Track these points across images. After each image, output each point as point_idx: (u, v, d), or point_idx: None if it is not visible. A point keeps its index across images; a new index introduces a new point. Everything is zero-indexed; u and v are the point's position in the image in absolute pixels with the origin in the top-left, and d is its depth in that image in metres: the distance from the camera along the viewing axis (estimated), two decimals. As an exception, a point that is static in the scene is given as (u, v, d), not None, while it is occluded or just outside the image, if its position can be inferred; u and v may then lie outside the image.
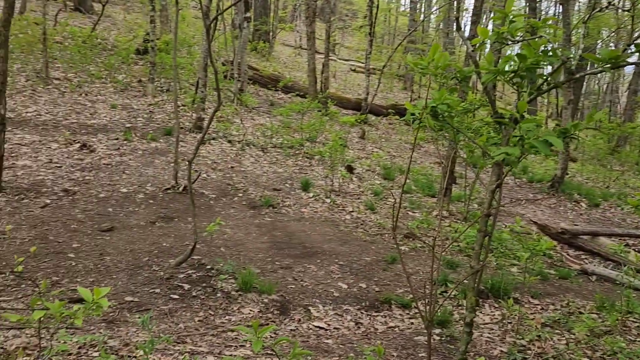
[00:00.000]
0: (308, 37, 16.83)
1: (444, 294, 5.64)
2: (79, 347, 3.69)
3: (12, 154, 8.74)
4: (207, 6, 10.97)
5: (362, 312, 5.19)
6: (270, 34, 25.35)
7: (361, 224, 8.29)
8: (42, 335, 3.68)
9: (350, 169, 11.16)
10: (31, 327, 3.90)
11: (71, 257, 5.60)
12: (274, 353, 3.01)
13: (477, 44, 2.60)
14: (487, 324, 5.13)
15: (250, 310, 4.88)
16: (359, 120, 15.20)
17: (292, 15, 35.90)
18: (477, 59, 2.58)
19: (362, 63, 25.51)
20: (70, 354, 3.58)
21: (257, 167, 10.39)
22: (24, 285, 4.80)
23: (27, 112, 11.03)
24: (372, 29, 17.16)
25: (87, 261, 5.53)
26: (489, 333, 4.89)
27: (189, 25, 21.04)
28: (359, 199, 9.61)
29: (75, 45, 15.59)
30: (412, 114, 2.55)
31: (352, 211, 8.84)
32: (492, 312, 5.46)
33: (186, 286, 5.16)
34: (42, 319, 2.63)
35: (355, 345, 4.39)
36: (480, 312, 5.40)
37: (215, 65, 5.60)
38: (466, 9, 30.94)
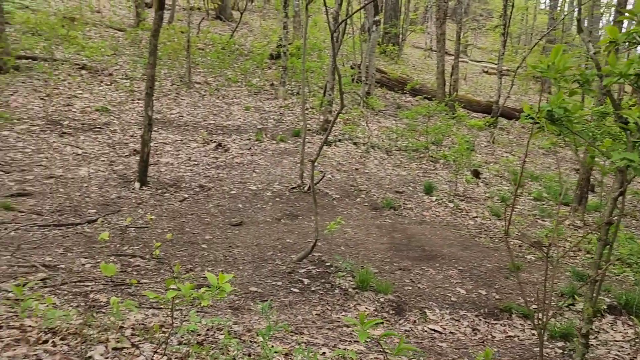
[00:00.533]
0: (438, 39, 16.60)
1: (570, 307, 5.33)
2: (207, 329, 4.00)
3: (157, 152, 9.60)
4: (336, 11, 11.26)
5: (479, 319, 5.07)
6: (400, 36, 25.29)
7: (485, 230, 8.05)
8: (175, 316, 4.05)
9: (476, 174, 10.85)
10: (167, 308, 4.31)
11: (204, 248, 6.06)
12: (381, 348, 3.06)
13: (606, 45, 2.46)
14: (617, 341, 4.77)
15: (366, 308, 4.97)
16: (488, 124, 14.71)
17: (423, 17, 35.50)
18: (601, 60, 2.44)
19: (495, 64, 24.58)
20: (199, 335, 3.90)
21: (380, 170, 10.46)
22: (162, 270, 5.30)
23: (171, 114, 12.06)
24: (506, 29, 16.50)
25: (218, 252, 5.96)
26: (618, 351, 4.55)
27: (320, 30, 21.66)
28: (484, 204, 9.32)
29: (215, 51, 16.73)
30: (528, 116, 2.47)
31: (476, 216, 8.60)
32: (624, 329, 5.06)
33: (306, 281, 5.37)
34: (174, 299, 2.91)
35: (471, 351, 4.31)
36: (612, 329, 5.03)
37: (338, 70, 5.77)
38: (613, 5, 28.59)
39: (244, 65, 16.18)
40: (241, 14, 19.38)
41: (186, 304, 3.54)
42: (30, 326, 3.52)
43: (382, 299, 5.17)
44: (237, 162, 9.63)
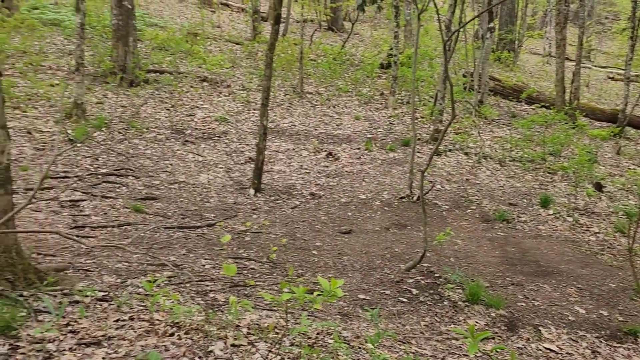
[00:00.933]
0: (558, 45, 15.81)
1: None
2: (317, 333, 4.13)
3: (270, 160, 10.00)
4: (448, 19, 11.11)
5: (600, 341, 4.78)
6: (516, 42, 24.34)
7: (608, 247, 7.54)
8: (287, 319, 4.21)
9: (598, 187, 10.19)
10: (280, 310, 4.49)
11: (314, 254, 6.23)
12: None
13: None
14: None
15: (477, 322, 4.86)
16: (613, 134, 13.75)
17: (542, 21, 33.89)
18: None
19: (622, 70, 22.92)
20: (309, 337, 4.03)
21: (492, 181, 10.15)
22: (274, 274, 5.52)
23: (283, 123, 12.50)
24: (635, 32, 15.37)
25: (327, 259, 6.11)
26: None
27: (431, 38, 21.43)
28: (607, 220, 8.73)
29: (326, 62, 17.12)
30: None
31: (598, 232, 8.08)
32: None
33: (414, 291, 5.35)
34: (288, 301, 3.05)
35: (590, 375, 4.08)
36: None
37: (450, 79, 5.72)
38: None
39: (355, 75, 16.40)
40: (352, 24, 19.67)
41: (298, 307, 3.68)
42: (158, 320, 3.84)
43: (493, 314, 5.03)
44: (346, 171, 9.79)
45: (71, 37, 14.49)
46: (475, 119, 13.91)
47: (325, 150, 10.70)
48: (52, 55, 13.57)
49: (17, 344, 2.95)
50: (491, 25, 15.47)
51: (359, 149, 11.11)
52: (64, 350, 3.02)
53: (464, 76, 16.37)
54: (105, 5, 17.39)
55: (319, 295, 2.98)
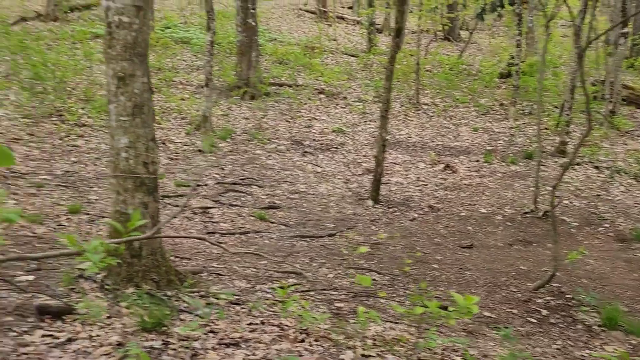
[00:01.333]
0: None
1: None
2: (443, 349, 4.06)
3: (387, 172, 10.00)
4: (578, 26, 10.52)
5: None
6: (651, 47, 22.49)
7: None
8: (416, 333, 4.19)
9: None
10: (403, 323, 4.47)
11: (435, 268, 6.15)
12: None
13: None
14: None
15: (614, 350, 4.53)
16: None
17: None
18: None
19: None
20: (434, 353, 3.98)
21: (628, 197, 9.43)
22: (396, 286, 5.51)
23: (400, 135, 12.46)
24: None
25: (449, 273, 6.00)
26: None
27: (555, 45, 20.39)
28: None
29: (442, 72, 16.85)
30: None
31: None
32: None
33: (544, 312, 5.10)
34: (419, 315, 3.04)
35: None
36: None
37: (587, 90, 5.41)
38: None
39: (472, 85, 15.99)
40: (470, 33, 19.24)
41: (424, 321, 3.65)
42: (286, 325, 3.98)
43: (634, 342, 4.66)
44: (465, 184, 9.56)
45: (199, 54, 15.50)
46: (606, 130, 13.02)
47: (442, 163, 10.53)
48: (182, 71, 14.57)
49: (167, 340, 3.19)
50: (625, 30, 14.44)
51: (477, 161, 10.81)
52: (208, 349, 3.23)
53: (594, 85, 15.38)
54: (229, 22, 18.42)
55: (453, 310, 2.95)
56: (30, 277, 4.19)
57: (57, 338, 2.97)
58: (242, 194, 8.26)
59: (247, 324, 3.93)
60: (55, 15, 17.01)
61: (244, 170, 9.36)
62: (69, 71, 11.55)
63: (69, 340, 2.97)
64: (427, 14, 17.23)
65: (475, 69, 17.70)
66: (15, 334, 2.98)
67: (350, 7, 26.62)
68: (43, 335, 2.99)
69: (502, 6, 18.05)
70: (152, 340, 3.14)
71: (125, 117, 4.15)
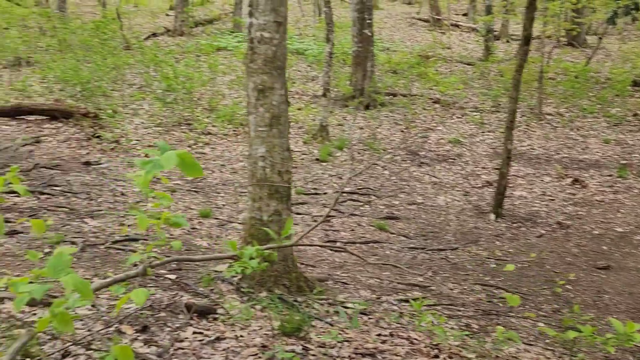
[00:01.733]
0: None
1: None
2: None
3: (509, 185, 9.57)
4: None
5: None
6: None
7: None
8: (548, 356, 3.96)
9: None
10: (537, 345, 4.24)
11: (568, 289, 5.78)
12: None
13: None
14: None
15: None
16: None
17: None
18: None
19: None
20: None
21: None
22: (527, 306, 5.24)
23: (521, 146, 11.91)
24: None
25: (585, 295, 5.62)
26: None
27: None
28: None
29: (567, 80, 15.92)
30: None
31: None
32: None
33: (699, 344, 4.62)
34: (574, 339, 2.86)
35: None
36: None
37: None
38: None
39: (602, 94, 14.96)
40: (600, 38, 18.06)
41: (577, 346, 3.43)
42: (416, 339, 3.91)
43: None
44: (597, 200, 8.93)
45: (313, 64, 15.86)
46: None
47: (570, 177, 9.92)
48: (297, 81, 14.96)
49: (306, 345, 3.25)
50: None
51: (610, 176, 10.06)
52: (344, 357, 3.24)
53: None
54: (343, 33, 18.66)
55: (610, 338, 2.74)
56: (173, 276, 4.47)
57: (207, 336, 3.12)
58: (360, 204, 8.29)
59: (377, 335, 3.91)
60: (182, 30, 18.18)
61: (361, 180, 9.39)
62: (195, 83, 12.26)
63: (218, 339, 3.10)
64: (552, 18, 16.39)
65: (604, 77, 16.55)
66: (169, 329, 3.17)
67: (465, 14, 25.99)
68: (194, 333, 3.15)
69: (638, 9, 16.75)
70: (293, 344, 3.21)
71: (263, 127, 4.31)
